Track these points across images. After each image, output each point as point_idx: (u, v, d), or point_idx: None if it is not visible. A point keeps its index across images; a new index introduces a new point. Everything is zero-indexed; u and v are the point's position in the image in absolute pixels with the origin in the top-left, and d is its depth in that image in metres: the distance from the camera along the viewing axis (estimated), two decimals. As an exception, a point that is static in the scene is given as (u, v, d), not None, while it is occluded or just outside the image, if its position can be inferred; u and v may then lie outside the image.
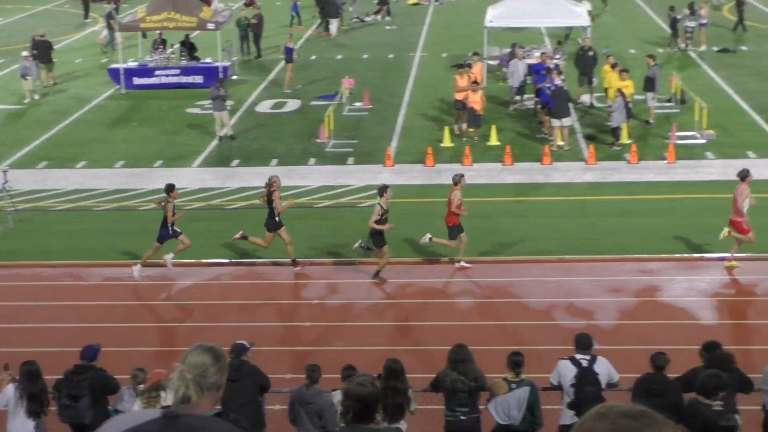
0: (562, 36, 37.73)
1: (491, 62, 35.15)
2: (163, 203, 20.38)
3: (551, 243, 21.63)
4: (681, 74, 33.31)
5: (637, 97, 28.81)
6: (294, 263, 20.64)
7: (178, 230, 20.35)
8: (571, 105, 28.54)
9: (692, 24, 38.50)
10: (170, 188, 20.45)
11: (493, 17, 34.12)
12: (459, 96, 28.96)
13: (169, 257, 20.45)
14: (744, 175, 19.80)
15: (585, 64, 31.38)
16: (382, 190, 19.89)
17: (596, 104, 31.39)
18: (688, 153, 26.80)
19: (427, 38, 43.14)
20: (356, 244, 20.24)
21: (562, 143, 27.55)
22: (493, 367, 13.30)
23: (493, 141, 28.24)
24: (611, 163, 26.49)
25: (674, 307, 18.75)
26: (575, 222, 22.92)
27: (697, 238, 21.28)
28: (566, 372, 12.64)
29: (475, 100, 28.21)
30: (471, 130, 28.69)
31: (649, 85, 29.01)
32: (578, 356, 12.74)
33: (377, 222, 19.52)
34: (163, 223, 20.26)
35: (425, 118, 31.20)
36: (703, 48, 38.63)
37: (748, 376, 12.49)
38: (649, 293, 19.40)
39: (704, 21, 39.17)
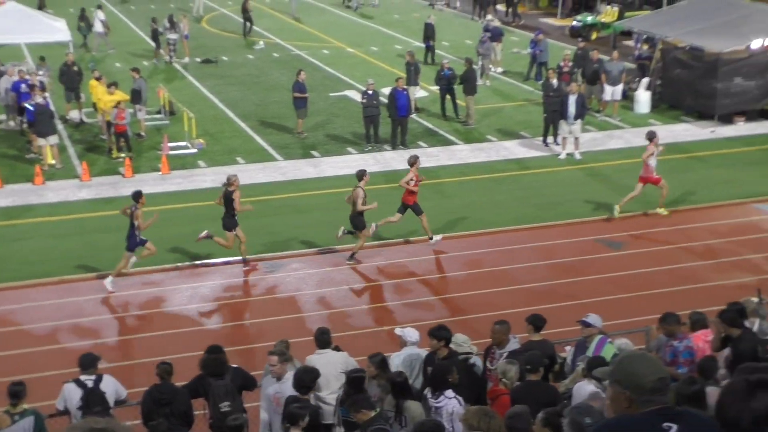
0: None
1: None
2: (130, 210, 19.77)
3: (52, 264, 21.04)
4: (168, 86, 33.96)
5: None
6: (245, 262, 21.06)
7: (144, 238, 19.93)
8: (56, 122, 27.97)
9: (174, 36, 39.36)
10: (138, 195, 19.92)
11: (-32, 34, 32.39)
12: (-64, 119, 27.18)
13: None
14: (651, 136, 23.04)
15: (70, 79, 30.87)
16: (362, 174, 20.67)
17: (86, 119, 31.03)
18: (181, 163, 27.35)
19: None
20: (340, 233, 20.91)
21: (53, 162, 26.87)
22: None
23: (-21, 164, 26.87)
24: (107, 178, 26.32)
25: (179, 316, 19.08)
26: (75, 241, 22.47)
27: (195, 246, 21.79)
28: (72, 395, 12.37)
29: (-45, 123, 26.64)
30: (-47, 154, 27.05)
31: (136, 97, 29.23)
32: (83, 377, 12.52)
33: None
34: (130, 231, 19.73)
35: None
36: (186, 59, 39.66)
37: (251, 374, 13.03)
38: (154, 305, 19.55)
39: (186, 33, 40.23)
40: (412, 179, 21.45)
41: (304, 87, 29.38)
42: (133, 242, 19.94)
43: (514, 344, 12.70)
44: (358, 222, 20.86)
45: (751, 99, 30.35)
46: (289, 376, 12.06)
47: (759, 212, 23.63)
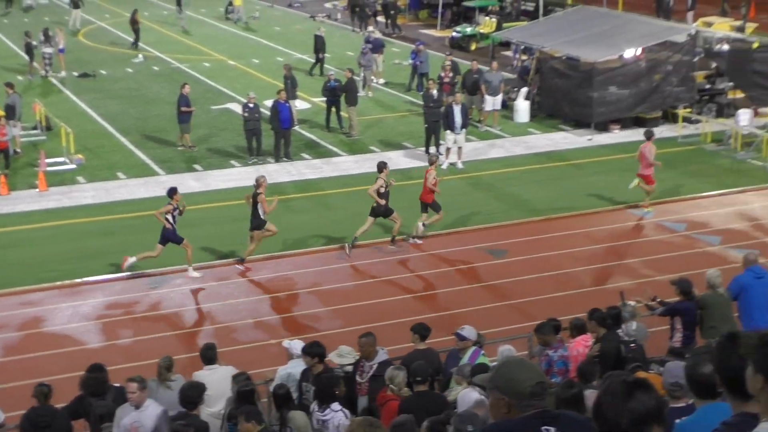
0: None
1: None
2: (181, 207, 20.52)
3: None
4: (44, 101, 33.19)
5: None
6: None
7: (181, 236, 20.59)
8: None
9: (49, 50, 38.51)
10: (172, 191, 20.44)
11: None
12: None
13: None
14: (649, 135, 23.91)
15: (-59, 95, 29.93)
16: (382, 166, 21.83)
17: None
18: (59, 179, 26.71)
19: None
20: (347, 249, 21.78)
21: (-76, 180, 26.00)
22: None
23: None
24: (-20, 196, 25.59)
25: (60, 336, 18.62)
26: (-52, 261, 21.76)
27: (78, 263, 21.35)
28: (-53, 422, 11.97)
29: None
30: None
31: (10, 113, 28.49)
32: (-41, 404, 12.12)
33: (379, 195, 21.52)
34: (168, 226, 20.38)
35: None
36: (63, 74, 38.82)
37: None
38: (33, 325, 19.04)
39: (61, 47, 39.39)
40: (434, 178, 22.39)
41: (189, 101, 29.07)
42: (173, 236, 20.47)
43: (382, 356, 12.68)
44: (380, 211, 21.72)
45: (625, 107, 31.18)
46: (149, 404, 11.55)
47: (634, 217, 24.28)
